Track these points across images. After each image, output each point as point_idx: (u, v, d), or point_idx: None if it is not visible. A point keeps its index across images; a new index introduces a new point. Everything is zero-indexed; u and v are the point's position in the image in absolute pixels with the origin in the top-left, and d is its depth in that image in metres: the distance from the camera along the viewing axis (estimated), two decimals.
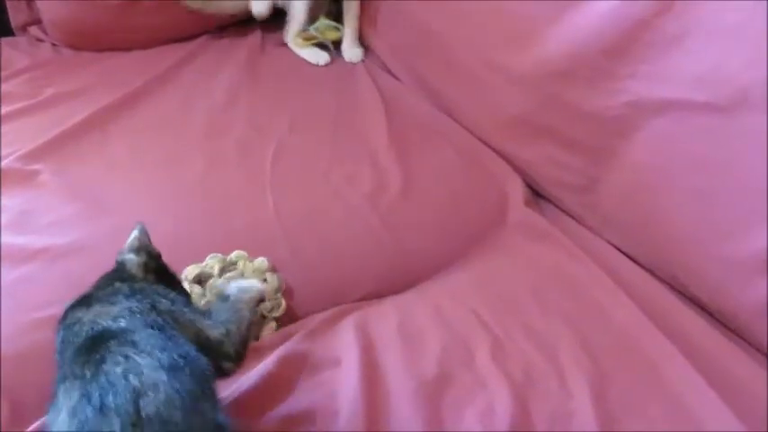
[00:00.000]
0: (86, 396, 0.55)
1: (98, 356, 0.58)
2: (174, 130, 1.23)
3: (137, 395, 0.54)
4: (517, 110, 1.13)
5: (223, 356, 0.70)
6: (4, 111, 1.24)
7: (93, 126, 1.21)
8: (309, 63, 1.44)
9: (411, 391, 0.77)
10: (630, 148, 0.97)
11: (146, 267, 0.76)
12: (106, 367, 0.57)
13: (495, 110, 1.18)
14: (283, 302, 0.93)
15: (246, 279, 0.87)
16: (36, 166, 1.11)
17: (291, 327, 0.90)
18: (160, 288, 0.73)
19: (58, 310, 0.87)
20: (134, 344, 0.60)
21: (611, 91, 0.97)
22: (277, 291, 0.94)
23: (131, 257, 0.76)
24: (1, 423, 0.80)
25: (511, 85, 1.12)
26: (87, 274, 0.89)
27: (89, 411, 0.54)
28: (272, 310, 0.92)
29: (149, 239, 0.79)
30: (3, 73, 1.36)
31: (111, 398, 0.54)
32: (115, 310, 0.65)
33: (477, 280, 0.98)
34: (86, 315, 0.66)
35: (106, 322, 0.63)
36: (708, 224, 0.89)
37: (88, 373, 0.57)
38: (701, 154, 0.89)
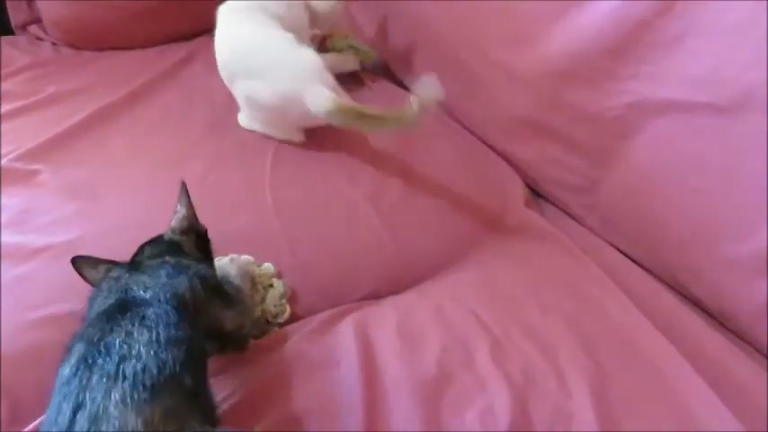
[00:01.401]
0: (85, 357, 0.64)
1: (110, 327, 0.66)
2: (175, 129, 1.23)
3: (121, 360, 0.63)
4: (518, 110, 1.13)
5: (232, 345, 0.80)
6: (4, 109, 1.24)
7: (93, 125, 1.21)
8: None
9: (410, 392, 0.77)
10: (631, 148, 0.97)
11: (197, 246, 0.84)
12: (109, 337, 0.65)
13: (496, 110, 1.18)
14: (288, 309, 0.93)
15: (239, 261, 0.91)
16: (36, 166, 1.11)
17: (291, 327, 0.90)
18: (203, 270, 0.79)
19: (57, 309, 0.88)
20: (143, 318, 0.67)
21: (613, 92, 0.97)
22: (282, 297, 0.93)
23: (184, 239, 0.83)
24: (1, 422, 0.80)
25: (512, 85, 1.12)
26: None
27: (82, 367, 0.63)
28: (276, 315, 0.92)
29: (195, 215, 0.86)
30: (3, 72, 1.36)
31: (101, 360, 0.63)
32: (151, 281, 0.73)
33: (477, 280, 0.98)
34: (126, 278, 0.74)
35: (137, 292, 0.71)
36: (708, 225, 0.89)
37: (95, 338, 0.65)
38: (702, 155, 0.89)
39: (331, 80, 1.13)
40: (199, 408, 0.65)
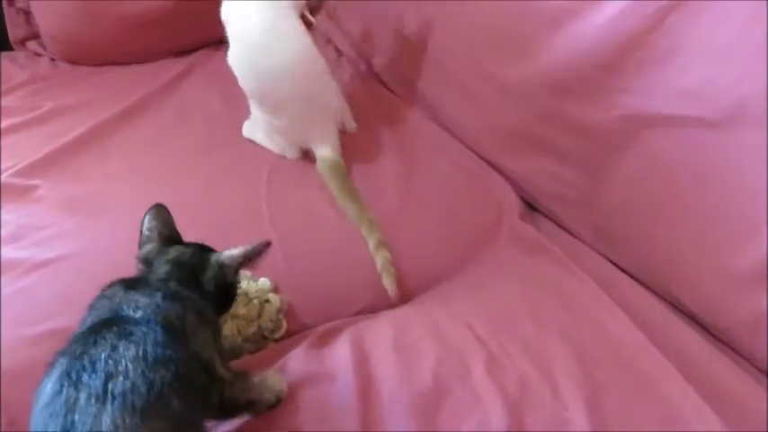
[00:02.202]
0: (68, 372, 0.61)
1: (93, 339, 0.64)
2: (172, 143, 1.23)
3: (108, 377, 0.60)
4: (512, 123, 1.14)
5: (213, 397, 0.72)
6: (3, 125, 1.25)
7: (91, 140, 1.22)
8: None
9: (406, 405, 0.77)
10: (625, 161, 0.98)
11: (218, 287, 0.79)
12: (93, 350, 0.62)
13: (491, 123, 1.19)
14: (284, 324, 0.93)
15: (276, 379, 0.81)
16: (34, 181, 1.11)
17: (287, 341, 0.91)
18: (203, 307, 0.75)
19: (56, 324, 0.88)
20: (130, 334, 0.65)
21: (606, 105, 0.98)
22: (278, 312, 0.94)
23: (213, 273, 0.78)
24: None
25: (506, 99, 1.13)
26: (85, 289, 0.90)
27: (67, 384, 0.60)
28: (273, 330, 0.93)
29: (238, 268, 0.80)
30: (2, 87, 1.37)
31: (86, 376, 0.60)
32: (145, 301, 0.70)
33: (472, 293, 0.99)
34: (120, 296, 0.71)
35: (127, 311, 0.69)
36: (701, 238, 0.90)
37: (78, 352, 0.63)
38: (695, 168, 0.89)
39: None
40: (188, 429, 0.64)
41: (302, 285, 0.99)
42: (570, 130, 1.05)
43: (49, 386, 0.62)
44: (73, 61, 1.49)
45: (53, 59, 1.51)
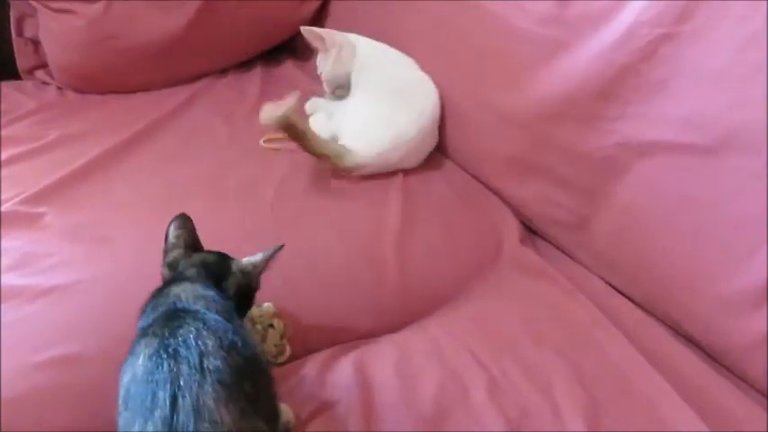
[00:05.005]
0: (164, 346, 0.65)
1: (176, 324, 0.68)
2: (177, 170, 1.24)
3: (201, 354, 0.65)
4: (510, 150, 1.16)
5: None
6: (9, 153, 1.25)
7: (97, 168, 1.22)
8: None
9: (408, 430, 0.78)
10: (621, 187, 0.99)
11: (237, 293, 0.82)
12: (182, 331, 0.67)
13: (489, 149, 1.21)
14: (288, 349, 0.94)
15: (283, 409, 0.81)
16: (41, 209, 1.11)
17: (289, 366, 0.91)
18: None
19: (60, 351, 0.89)
20: (204, 321, 0.69)
21: (601, 132, 1.00)
22: (282, 337, 0.94)
23: (234, 279, 0.82)
24: None
25: (503, 126, 1.15)
26: (89, 316, 0.91)
27: (164, 356, 0.64)
28: (276, 356, 0.93)
29: (260, 272, 0.85)
30: (9, 116, 1.38)
31: (183, 350, 0.65)
32: (193, 292, 0.75)
33: (473, 317, 0.99)
34: (168, 292, 0.76)
35: (186, 303, 0.73)
36: (698, 262, 0.91)
37: (167, 333, 0.67)
38: (689, 194, 0.91)
39: None
40: (259, 412, 0.66)
41: (305, 310, 0.99)
42: (566, 157, 1.06)
43: (141, 361, 0.65)
44: (79, 90, 1.51)
45: (60, 88, 1.52)
